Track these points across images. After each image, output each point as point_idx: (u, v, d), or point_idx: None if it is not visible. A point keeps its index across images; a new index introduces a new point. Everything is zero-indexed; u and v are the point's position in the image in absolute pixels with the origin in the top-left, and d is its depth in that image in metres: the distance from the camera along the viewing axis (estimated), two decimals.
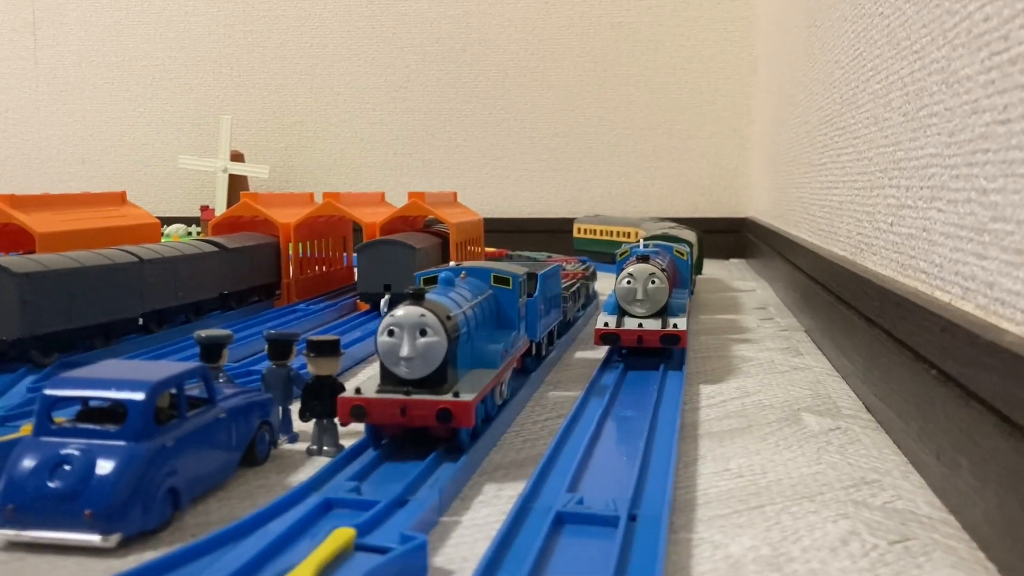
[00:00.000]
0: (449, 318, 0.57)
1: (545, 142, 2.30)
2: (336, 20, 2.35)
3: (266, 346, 0.67)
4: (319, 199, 1.48)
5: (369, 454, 0.58)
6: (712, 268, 1.95)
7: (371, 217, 1.40)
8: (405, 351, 0.55)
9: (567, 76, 2.28)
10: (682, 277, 1.10)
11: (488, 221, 1.77)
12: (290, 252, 1.37)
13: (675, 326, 0.85)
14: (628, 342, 0.86)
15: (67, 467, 0.46)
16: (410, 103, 2.33)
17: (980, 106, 0.54)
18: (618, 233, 1.85)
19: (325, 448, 0.62)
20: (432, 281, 0.67)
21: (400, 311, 0.56)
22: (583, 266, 1.32)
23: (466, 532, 0.49)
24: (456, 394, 0.55)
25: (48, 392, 0.48)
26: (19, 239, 1.19)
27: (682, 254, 1.11)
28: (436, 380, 0.56)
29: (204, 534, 0.45)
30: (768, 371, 0.90)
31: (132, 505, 0.46)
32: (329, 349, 0.63)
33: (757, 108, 2.17)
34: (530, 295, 0.77)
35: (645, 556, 0.43)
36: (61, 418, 0.51)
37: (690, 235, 1.42)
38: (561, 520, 0.47)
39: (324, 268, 1.49)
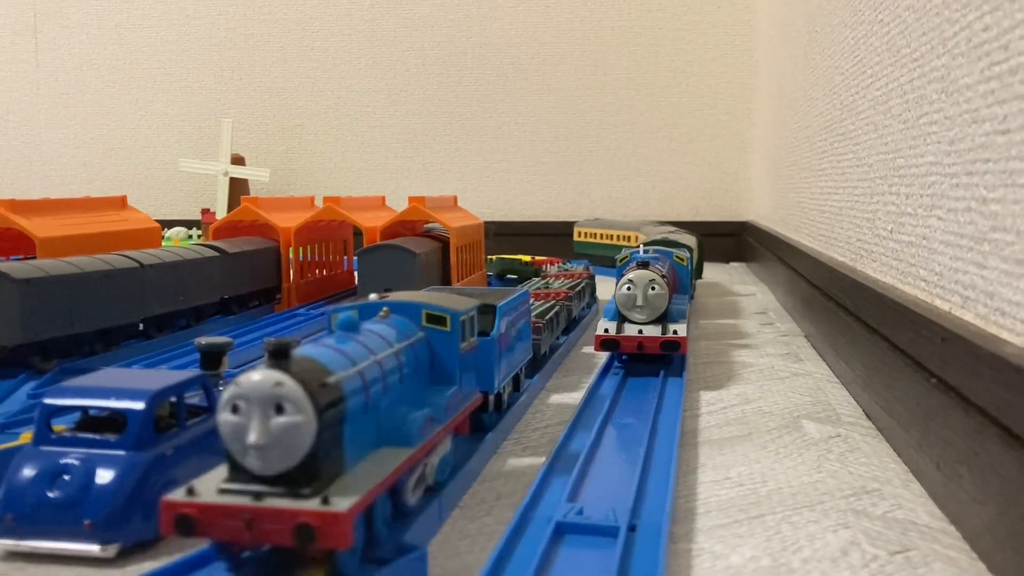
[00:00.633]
0: (324, 385, 0.39)
1: (546, 145, 2.30)
2: (337, 24, 2.35)
3: (265, 353, 0.67)
4: (320, 203, 1.48)
5: None
6: (712, 272, 1.95)
7: (372, 221, 1.40)
8: (253, 437, 0.37)
9: (567, 80, 2.28)
10: (682, 283, 1.10)
11: (488, 224, 1.76)
12: (291, 256, 1.37)
13: (675, 332, 0.85)
14: (628, 349, 0.86)
15: (66, 477, 0.46)
16: (411, 106, 2.34)
17: (980, 115, 0.54)
18: (618, 237, 1.85)
19: None
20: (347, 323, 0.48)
21: (249, 377, 0.38)
22: (576, 279, 1.28)
23: (466, 542, 0.49)
24: (326, 499, 0.36)
25: (47, 401, 0.49)
26: (20, 244, 1.19)
27: (682, 259, 1.11)
28: (302, 476, 0.37)
29: (204, 544, 0.45)
30: (768, 377, 0.90)
31: (131, 515, 0.46)
32: None
33: (758, 112, 2.17)
34: (484, 333, 0.62)
35: (645, 567, 0.43)
36: (61, 426, 0.51)
37: (690, 240, 1.42)
38: (561, 530, 0.47)
39: (324, 272, 1.49)
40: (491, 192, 2.32)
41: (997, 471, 0.44)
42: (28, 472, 0.46)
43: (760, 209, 2.05)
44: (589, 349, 1.03)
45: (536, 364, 0.86)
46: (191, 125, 2.44)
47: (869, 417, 0.74)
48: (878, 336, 0.72)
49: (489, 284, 1.61)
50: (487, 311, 0.64)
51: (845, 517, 0.52)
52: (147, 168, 2.47)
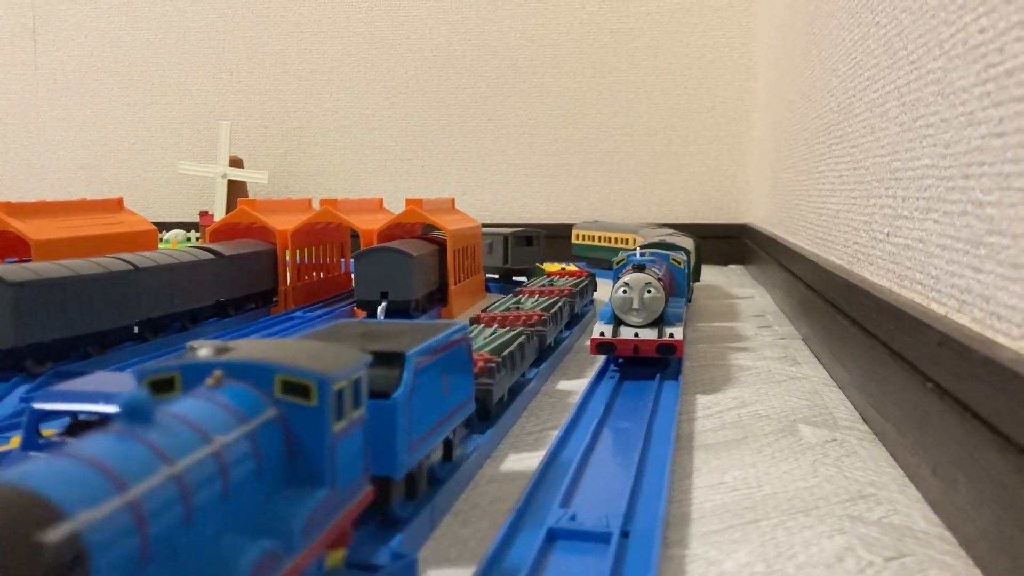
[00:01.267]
0: (32, 546, 0.21)
1: (544, 148, 2.30)
2: (335, 26, 2.35)
3: None
4: (317, 205, 1.47)
5: None
6: (710, 274, 1.95)
7: (369, 224, 1.40)
8: None
9: (566, 82, 2.28)
10: (679, 286, 1.09)
11: (487, 227, 1.76)
12: (287, 259, 1.36)
13: (671, 335, 0.85)
14: (624, 352, 0.86)
15: None
16: (409, 109, 2.33)
17: (976, 118, 0.53)
18: (617, 239, 1.85)
19: None
20: (165, 386, 0.35)
21: None
22: (577, 278, 1.27)
23: (457, 548, 0.48)
24: None
25: (36, 406, 0.48)
26: (15, 247, 1.19)
27: (679, 262, 1.11)
28: None
29: None
30: (765, 381, 0.89)
31: None
32: None
33: (756, 115, 2.17)
34: (383, 395, 0.44)
35: (637, 574, 0.43)
36: (51, 431, 0.50)
37: (688, 242, 1.42)
38: (553, 536, 0.46)
39: (321, 275, 1.49)
40: (489, 194, 2.32)
41: (993, 476, 0.44)
42: None
43: (758, 212, 2.05)
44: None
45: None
46: (189, 127, 2.44)
47: (865, 421, 0.73)
48: (875, 340, 0.71)
49: (488, 289, 1.60)
50: (391, 362, 0.46)
51: (840, 522, 0.51)
52: (145, 170, 2.46)
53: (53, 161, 2.50)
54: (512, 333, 0.82)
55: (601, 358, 0.92)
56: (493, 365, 0.68)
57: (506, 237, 1.61)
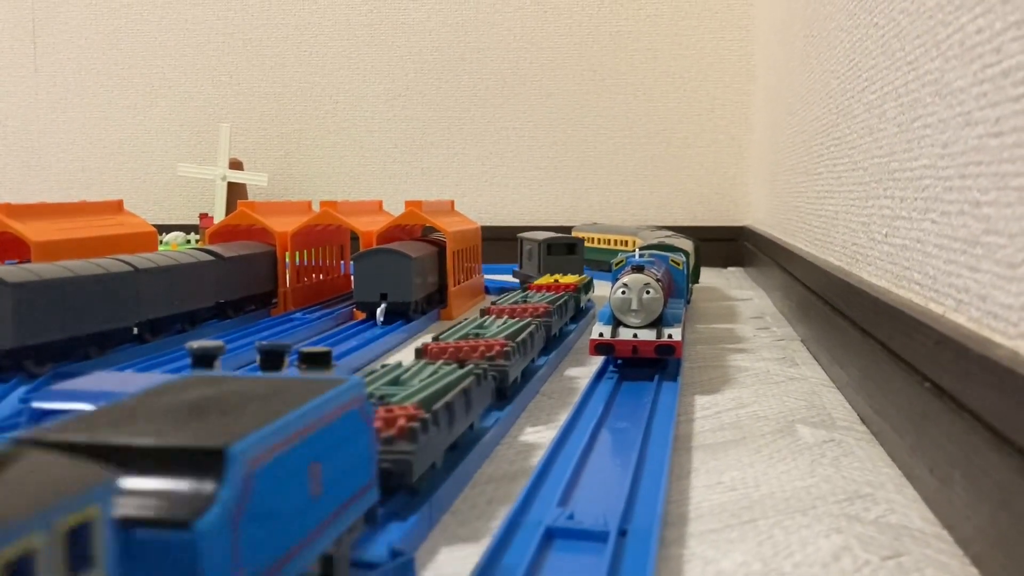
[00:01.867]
0: None
1: (543, 150, 2.30)
2: (335, 28, 2.35)
3: (258, 357, 0.66)
4: (317, 207, 1.48)
5: None
6: (709, 276, 1.95)
7: (368, 226, 1.40)
8: None
9: (565, 84, 2.28)
10: (677, 287, 1.10)
11: (486, 229, 1.76)
12: (287, 261, 1.36)
13: (670, 336, 0.85)
14: (623, 352, 0.86)
15: None
16: (408, 111, 2.34)
17: (973, 118, 0.53)
18: (616, 241, 1.85)
19: None
20: None
21: None
22: (560, 292, 1.12)
23: (455, 547, 0.48)
24: None
25: (35, 405, 0.48)
26: (15, 248, 1.19)
27: (678, 263, 1.11)
28: None
29: None
30: (764, 381, 0.89)
31: None
32: (321, 361, 0.62)
33: (755, 116, 2.17)
34: (181, 524, 0.25)
35: (634, 572, 0.43)
36: None
37: (686, 244, 1.42)
38: (551, 535, 0.47)
39: (321, 277, 1.49)
40: (489, 197, 2.32)
41: (990, 475, 0.44)
42: None
43: (757, 214, 2.05)
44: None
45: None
46: (189, 130, 2.44)
47: (863, 421, 0.73)
48: (872, 340, 0.71)
49: (487, 291, 1.61)
50: (202, 465, 0.27)
51: (838, 522, 0.52)
52: (145, 173, 2.47)
53: (53, 163, 2.50)
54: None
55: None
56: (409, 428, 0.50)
57: (541, 244, 1.46)
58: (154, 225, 1.38)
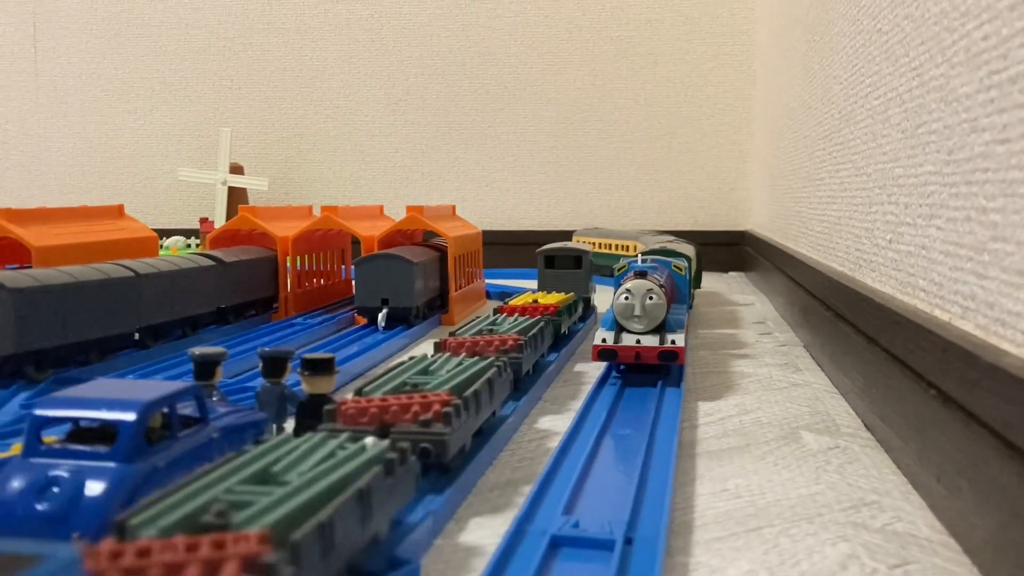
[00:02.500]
0: None
1: (544, 155, 2.30)
2: (336, 33, 2.35)
3: (260, 363, 0.66)
4: (318, 211, 1.47)
5: None
6: (711, 281, 1.95)
7: (369, 231, 1.40)
8: None
9: (566, 89, 2.28)
10: (680, 292, 1.09)
11: (487, 234, 1.76)
12: (288, 266, 1.36)
13: (673, 342, 0.85)
14: (626, 358, 0.85)
15: (55, 489, 0.45)
16: (409, 116, 2.34)
17: (979, 125, 0.53)
18: (617, 246, 1.85)
19: None
20: None
21: None
22: (538, 315, 0.97)
23: (460, 556, 0.48)
24: None
25: (37, 412, 0.48)
26: (16, 253, 1.19)
27: (680, 269, 1.11)
28: None
29: None
30: (767, 388, 0.89)
31: None
32: (324, 367, 0.62)
33: (756, 121, 2.17)
34: None
35: None
36: (52, 437, 0.50)
37: (688, 249, 1.42)
38: (556, 544, 0.46)
39: (322, 282, 1.49)
40: (490, 201, 2.32)
41: (998, 484, 0.44)
42: (16, 484, 0.46)
43: (758, 218, 2.05)
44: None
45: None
46: (190, 134, 2.44)
47: (868, 428, 0.73)
48: (877, 346, 0.71)
49: (488, 295, 1.60)
50: None
51: (844, 530, 0.51)
52: (146, 177, 2.47)
53: (54, 167, 2.50)
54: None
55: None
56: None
57: (539, 255, 1.26)
58: (155, 229, 1.38)
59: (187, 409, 0.55)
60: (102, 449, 0.47)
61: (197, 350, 0.64)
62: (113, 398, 0.49)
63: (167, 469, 0.49)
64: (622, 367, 0.89)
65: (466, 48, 2.30)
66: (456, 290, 1.36)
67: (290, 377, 0.67)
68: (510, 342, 0.78)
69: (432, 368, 0.66)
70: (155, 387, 0.51)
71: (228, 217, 2.19)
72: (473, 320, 0.90)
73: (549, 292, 1.18)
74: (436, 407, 0.54)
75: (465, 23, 2.29)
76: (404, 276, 1.21)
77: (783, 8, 1.65)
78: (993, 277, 0.50)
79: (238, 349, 1.04)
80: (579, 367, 1.01)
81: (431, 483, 0.54)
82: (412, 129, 2.34)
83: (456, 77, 2.31)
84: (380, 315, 1.20)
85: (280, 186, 2.39)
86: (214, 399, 0.63)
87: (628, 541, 0.47)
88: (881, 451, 0.67)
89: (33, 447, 0.47)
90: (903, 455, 0.62)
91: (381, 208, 1.69)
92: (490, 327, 0.86)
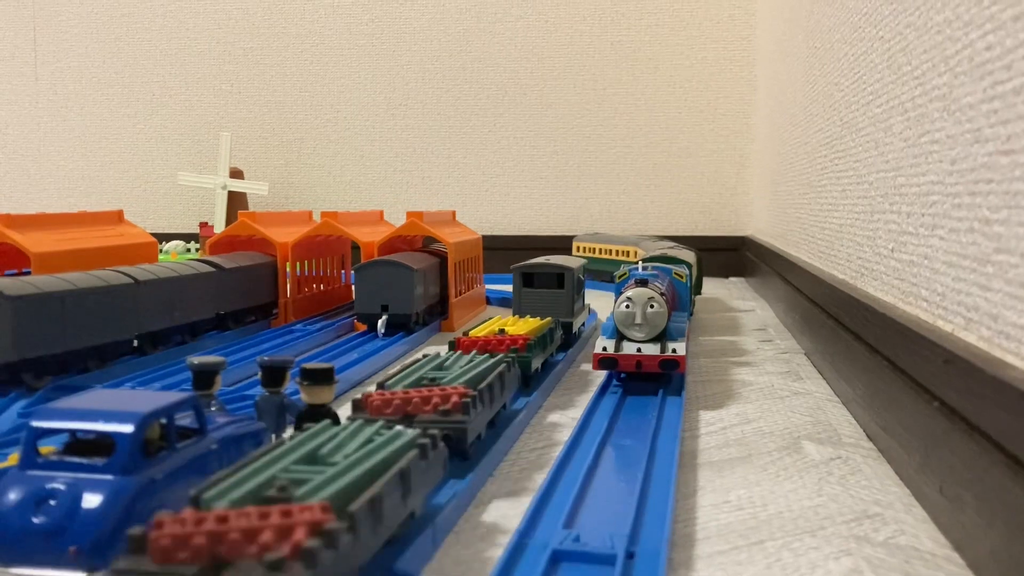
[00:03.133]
0: None
1: (544, 160, 2.30)
2: (336, 38, 2.35)
3: (259, 372, 0.66)
4: (318, 216, 1.47)
5: None
6: (711, 287, 1.94)
7: (369, 236, 1.39)
8: None
9: (567, 94, 2.28)
10: (681, 300, 1.09)
11: (487, 239, 1.76)
12: (287, 271, 1.36)
13: (674, 351, 0.85)
14: (626, 367, 0.85)
15: (52, 502, 0.45)
16: (410, 121, 2.33)
17: (983, 135, 0.53)
18: (617, 251, 1.84)
19: None
20: None
21: None
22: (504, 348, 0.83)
23: (460, 570, 0.48)
24: None
25: (34, 424, 0.47)
26: (15, 259, 1.19)
27: (681, 276, 1.10)
28: None
29: None
30: (768, 396, 0.89)
31: (118, 541, 0.45)
32: (323, 377, 0.62)
33: (757, 127, 2.17)
34: None
35: None
36: (50, 447, 0.50)
37: (689, 255, 1.42)
38: (557, 558, 0.46)
39: (322, 288, 1.49)
40: (490, 206, 2.32)
41: (1003, 497, 0.43)
42: (12, 497, 0.45)
43: (759, 224, 2.04)
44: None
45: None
46: (190, 138, 2.43)
47: (870, 438, 0.73)
48: (879, 356, 0.71)
49: (489, 301, 1.60)
50: None
51: (847, 543, 0.51)
52: (146, 181, 2.46)
53: (53, 172, 2.50)
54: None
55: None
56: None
57: (515, 272, 1.07)
58: (154, 234, 1.38)
59: (186, 420, 0.54)
60: (99, 461, 0.47)
61: (196, 359, 0.64)
62: (111, 409, 0.48)
63: (165, 481, 0.48)
64: (623, 375, 0.89)
65: (466, 53, 2.30)
66: (456, 296, 1.36)
67: (289, 386, 0.67)
68: (453, 400, 0.59)
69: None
70: (153, 398, 0.51)
71: (228, 221, 2.18)
72: (415, 364, 0.71)
73: (524, 316, 1.01)
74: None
75: (465, 28, 2.29)
76: (404, 282, 1.20)
77: (783, 14, 1.64)
78: (997, 289, 0.50)
79: (238, 356, 1.03)
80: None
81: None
82: (412, 134, 2.34)
83: (456, 82, 2.31)
84: (380, 321, 1.20)
85: (280, 191, 2.39)
86: (213, 409, 0.63)
87: (630, 555, 0.46)
88: (883, 462, 0.67)
89: (30, 459, 0.47)
90: (905, 466, 0.61)
91: (381, 214, 1.69)
92: (432, 374, 0.68)
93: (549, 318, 0.99)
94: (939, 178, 0.62)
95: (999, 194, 0.50)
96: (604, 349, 0.85)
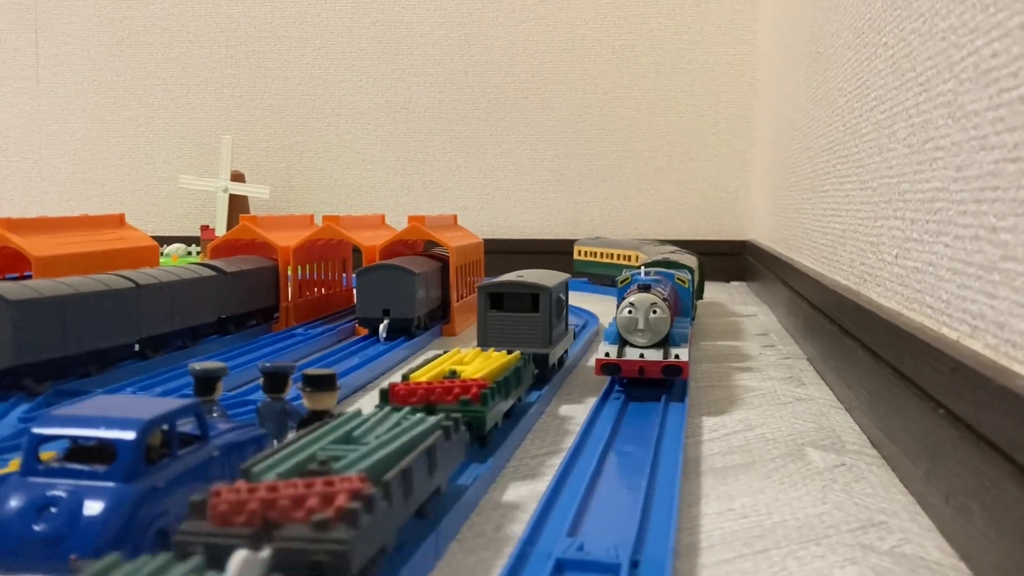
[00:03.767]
0: None
1: (546, 164, 2.30)
2: (338, 41, 2.35)
3: (261, 378, 0.66)
4: (319, 219, 1.47)
5: None
6: (713, 291, 1.94)
7: (371, 240, 1.39)
8: None
9: (568, 98, 2.28)
10: (683, 305, 1.09)
11: (489, 243, 1.76)
12: (289, 275, 1.36)
13: (677, 357, 0.84)
14: (629, 373, 0.85)
15: (53, 509, 0.45)
16: (411, 124, 2.33)
17: (989, 143, 0.53)
18: (619, 256, 1.84)
19: None
20: None
21: None
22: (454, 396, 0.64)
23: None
24: None
25: (35, 430, 0.47)
26: (16, 263, 1.18)
27: (683, 281, 1.10)
28: None
29: None
30: (771, 402, 0.88)
31: (120, 549, 0.44)
32: (325, 383, 0.61)
33: (758, 131, 2.17)
34: None
35: None
36: (51, 453, 0.50)
37: (691, 260, 1.41)
38: (561, 567, 0.45)
39: (323, 292, 1.48)
40: (491, 210, 2.32)
41: (1009, 507, 0.43)
42: (13, 504, 0.45)
43: (761, 229, 2.04)
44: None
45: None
46: (191, 142, 2.43)
47: (874, 445, 0.72)
48: (883, 363, 0.70)
49: None
50: None
51: (852, 552, 0.51)
52: (147, 184, 2.46)
53: (55, 174, 2.50)
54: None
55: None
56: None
57: (481, 291, 0.90)
58: (155, 237, 1.38)
59: (187, 426, 0.54)
60: (100, 468, 0.46)
61: (198, 365, 0.64)
62: (112, 416, 0.48)
63: (167, 488, 0.48)
64: (625, 381, 0.89)
65: (468, 57, 2.30)
66: (458, 300, 1.35)
67: (291, 391, 0.66)
68: (339, 498, 0.37)
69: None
70: (155, 404, 0.50)
71: (229, 225, 2.18)
72: (332, 424, 0.51)
73: (488, 349, 0.83)
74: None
75: (467, 32, 2.29)
76: (405, 286, 1.20)
77: (786, 19, 1.64)
78: (1003, 297, 0.50)
79: (239, 360, 1.03)
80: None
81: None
82: (414, 138, 2.33)
83: (458, 86, 2.31)
84: (381, 326, 1.20)
85: (281, 194, 2.38)
86: (215, 415, 0.63)
87: (634, 564, 0.46)
88: (887, 469, 0.66)
89: (31, 465, 0.47)
90: (910, 474, 0.61)
91: (383, 217, 1.69)
92: (328, 451, 0.45)
93: (518, 352, 0.81)
94: (944, 184, 0.62)
95: (1006, 201, 0.50)
96: (607, 355, 0.85)
